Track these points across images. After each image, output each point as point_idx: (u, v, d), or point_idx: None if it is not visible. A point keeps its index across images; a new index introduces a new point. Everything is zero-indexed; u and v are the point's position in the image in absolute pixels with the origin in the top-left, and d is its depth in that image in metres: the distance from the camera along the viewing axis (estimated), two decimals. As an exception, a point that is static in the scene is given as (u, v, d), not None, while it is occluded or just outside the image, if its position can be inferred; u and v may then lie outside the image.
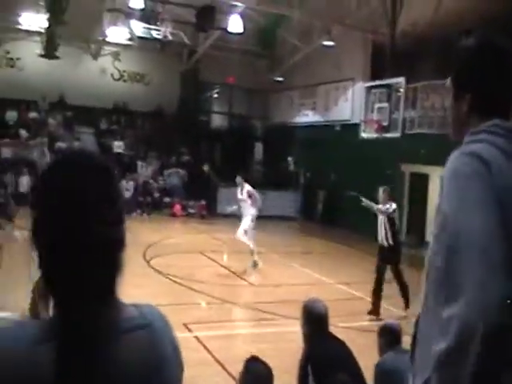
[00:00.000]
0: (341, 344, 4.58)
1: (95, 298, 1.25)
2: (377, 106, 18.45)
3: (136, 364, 1.27)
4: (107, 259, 1.28)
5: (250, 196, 12.24)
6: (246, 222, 12.37)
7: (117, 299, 1.31)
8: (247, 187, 12.33)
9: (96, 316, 1.24)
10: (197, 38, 22.84)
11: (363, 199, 9.89)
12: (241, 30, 20.10)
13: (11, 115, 22.95)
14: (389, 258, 9.61)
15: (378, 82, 18.55)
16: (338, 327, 6.91)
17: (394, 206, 9.56)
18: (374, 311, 9.42)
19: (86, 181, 1.27)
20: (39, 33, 21.44)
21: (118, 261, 1.30)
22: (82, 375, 1.19)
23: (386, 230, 9.53)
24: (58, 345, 1.19)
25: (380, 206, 9.57)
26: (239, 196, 12.43)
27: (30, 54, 22.52)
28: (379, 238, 9.66)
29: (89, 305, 1.23)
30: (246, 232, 12.36)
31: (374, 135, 18.32)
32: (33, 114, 23.31)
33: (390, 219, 9.54)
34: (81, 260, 1.23)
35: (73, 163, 1.32)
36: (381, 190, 9.72)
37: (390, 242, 9.52)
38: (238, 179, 12.41)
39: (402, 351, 4.54)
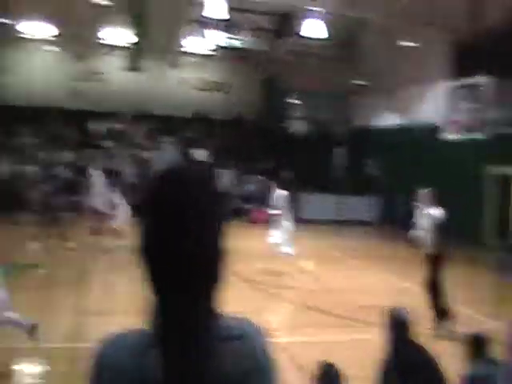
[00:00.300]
0: (423, 351, 4.54)
1: (197, 308, 1.29)
2: (461, 106, 17.88)
3: (230, 374, 1.29)
4: (210, 270, 1.32)
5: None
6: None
7: (216, 309, 1.35)
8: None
9: (197, 326, 1.28)
10: (276, 44, 22.94)
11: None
12: (323, 35, 19.95)
13: (97, 127, 23.88)
14: (433, 267, 8.76)
15: (462, 82, 17.98)
16: (421, 334, 6.67)
17: (442, 211, 8.72)
18: (446, 316, 8.65)
19: (191, 195, 1.31)
20: (121, 47, 22.22)
21: (220, 272, 1.35)
22: (186, 381, 1.25)
23: (432, 236, 8.73)
24: (163, 352, 1.25)
25: (429, 210, 8.71)
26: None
27: (113, 67, 23.42)
28: (425, 245, 8.90)
29: (191, 314, 1.28)
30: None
31: (459, 137, 17.75)
32: (117, 126, 24.16)
33: (439, 225, 8.70)
34: (186, 270, 1.28)
35: (175, 178, 1.36)
36: (423, 192, 8.91)
37: (436, 250, 8.73)
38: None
39: (489, 360, 4.39)
